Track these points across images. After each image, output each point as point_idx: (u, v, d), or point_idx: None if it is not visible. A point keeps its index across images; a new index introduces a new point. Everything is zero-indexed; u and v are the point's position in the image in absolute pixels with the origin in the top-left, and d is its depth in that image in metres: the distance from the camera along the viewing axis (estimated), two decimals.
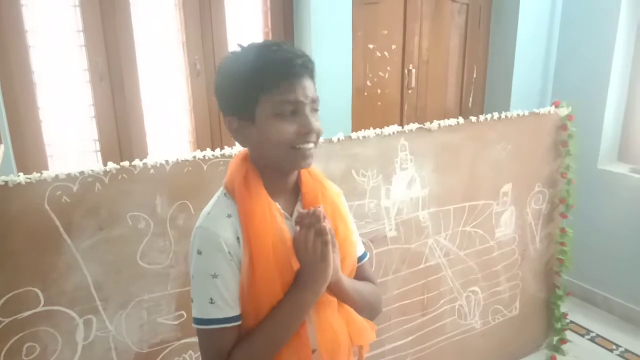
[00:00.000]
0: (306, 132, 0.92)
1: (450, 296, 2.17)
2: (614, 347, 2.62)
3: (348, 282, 1.02)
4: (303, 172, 1.02)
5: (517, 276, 2.36)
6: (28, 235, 1.32)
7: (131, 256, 1.47)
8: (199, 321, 0.93)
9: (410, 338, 2.10)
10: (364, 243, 1.83)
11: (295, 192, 1.02)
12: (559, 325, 2.50)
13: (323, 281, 0.94)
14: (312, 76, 0.95)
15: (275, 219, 0.94)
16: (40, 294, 1.36)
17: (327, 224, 0.93)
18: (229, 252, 0.91)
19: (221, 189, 1.01)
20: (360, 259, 1.11)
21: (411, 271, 2.03)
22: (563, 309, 2.50)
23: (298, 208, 1.00)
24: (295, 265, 0.93)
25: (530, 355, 2.52)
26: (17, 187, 1.30)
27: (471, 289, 2.23)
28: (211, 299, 0.91)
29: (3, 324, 1.33)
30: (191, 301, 0.95)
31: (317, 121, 0.95)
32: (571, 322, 2.69)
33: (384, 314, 2.00)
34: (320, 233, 0.92)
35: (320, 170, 1.08)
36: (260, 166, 0.97)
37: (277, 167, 0.97)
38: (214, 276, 0.90)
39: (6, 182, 1.28)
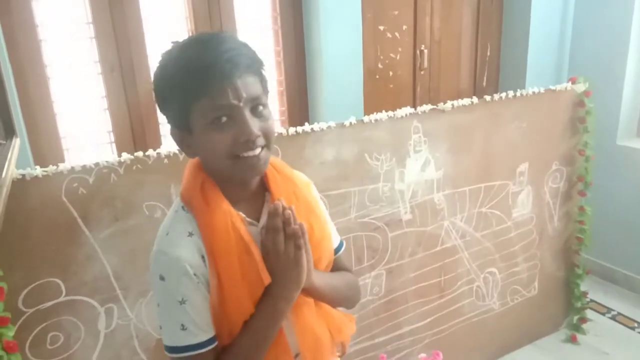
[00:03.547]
0: (245, 140, 0.82)
1: (468, 278, 2.16)
2: (636, 324, 2.59)
3: (322, 281, 0.95)
4: (269, 169, 0.91)
5: (536, 256, 2.34)
6: (47, 227, 1.35)
7: (149, 245, 1.48)
8: (172, 349, 0.86)
9: (428, 320, 2.10)
10: (375, 228, 1.85)
11: (261, 193, 0.93)
12: (579, 304, 2.48)
13: (296, 288, 0.87)
14: (249, 70, 0.83)
15: (239, 232, 0.86)
16: (62, 285, 1.39)
17: (298, 225, 0.85)
18: (195, 274, 0.84)
19: (177, 200, 0.91)
20: (336, 250, 1.05)
21: (427, 254, 2.03)
22: (583, 287, 2.47)
23: (265, 212, 0.91)
24: (267, 280, 0.86)
25: (550, 334, 2.51)
26: (35, 180, 1.31)
27: (489, 270, 2.21)
28: (182, 325, 0.84)
29: (27, 314, 1.36)
30: (160, 328, 0.89)
31: (263, 121, 0.84)
32: (591, 300, 2.66)
33: (402, 297, 2.00)
34: (293, 236, 0.85)
35: (284, 163, 0.99)
36: (215, 174, 0.89)
37: (228, 179, 0.88)
38: (182, 302, 0.84)
39: (24, 175, 1.30)
